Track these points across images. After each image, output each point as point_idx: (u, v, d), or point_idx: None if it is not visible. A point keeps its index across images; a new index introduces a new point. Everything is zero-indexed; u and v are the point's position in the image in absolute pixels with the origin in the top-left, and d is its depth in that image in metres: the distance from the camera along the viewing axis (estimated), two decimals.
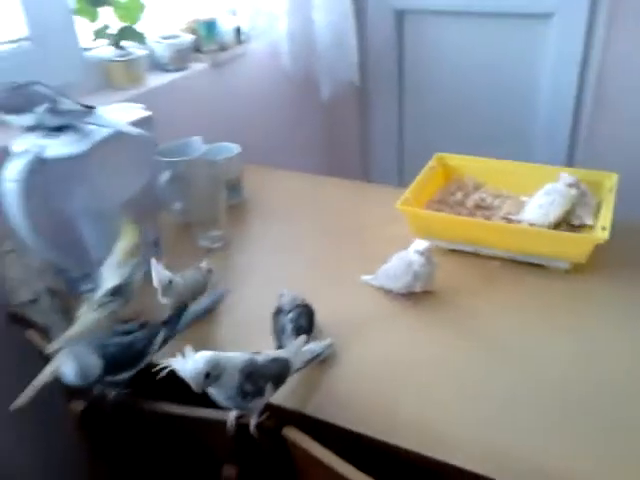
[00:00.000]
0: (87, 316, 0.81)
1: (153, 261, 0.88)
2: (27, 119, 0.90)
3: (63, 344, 0.76)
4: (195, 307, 0.93)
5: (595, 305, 0.93)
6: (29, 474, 1.19)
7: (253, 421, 0.74)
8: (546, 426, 0.73)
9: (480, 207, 1.11)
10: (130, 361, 0.78)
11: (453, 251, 1.06)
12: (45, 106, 0.88)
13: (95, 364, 0.74)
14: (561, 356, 0.84)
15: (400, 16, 1.93)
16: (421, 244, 0.92)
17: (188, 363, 0.65)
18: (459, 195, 1.14)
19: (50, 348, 0.76)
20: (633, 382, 0.78)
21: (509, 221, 1.06)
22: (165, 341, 0.82)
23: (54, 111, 0.89)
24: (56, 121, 0.91)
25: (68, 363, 0.73)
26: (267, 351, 0.77)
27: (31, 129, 0.91)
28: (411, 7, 1.90)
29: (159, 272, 0.88)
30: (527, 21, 1.78)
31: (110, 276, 0.85)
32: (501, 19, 1.81)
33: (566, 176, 1.07)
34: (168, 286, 0.88)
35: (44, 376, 0.73)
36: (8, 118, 0.91)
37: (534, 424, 0.73)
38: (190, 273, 0.95)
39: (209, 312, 0.96)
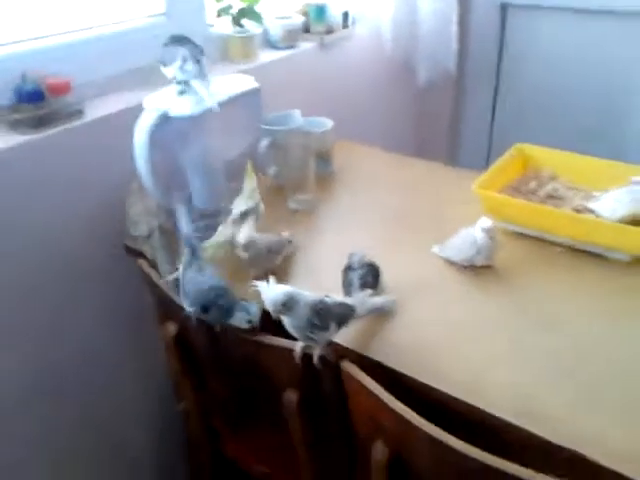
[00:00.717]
0: (225, 231, 1.10)
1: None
2: (170, 71, 1.05)
3: (210, 249, 1.03)
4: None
5: None
6: (123, 385, 1.39)
7: (317, 352, 0.86)
8: (572, 389, 0.80)
9: (552, 197, 1.17)
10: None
11: (519, 234, 1.13)
12: (179, 63, 1.04)
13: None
14: (610, 336, 0.90)
15: (504, 9, 1.97)
16: (485, 222, 1.01)
17: (270, 291, 0.79)
18: (533, 184, 1.20)
19: (205, 249, 1.03)
20: None
21: (578, 212, 1.12)
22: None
23: (182, 69, 1.04)
24: (182, 77, 1.05)
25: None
26: (336, 296, 0.89)
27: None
28: (516, 1, 1.93)
29: (244, 231, 1.04)
30: (631, 20, 1.76)
31: (240, 205, 1.12)
32: (609, 18, 1.81)
33: None
34: (251, 243, 1.04)
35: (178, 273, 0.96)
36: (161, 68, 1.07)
37: (564, 387, 0.81)
38: (270, 236, 1.09)
39: None
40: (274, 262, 1.08)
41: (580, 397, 0.79)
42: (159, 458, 1.50)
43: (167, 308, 1.03)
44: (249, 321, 0.89)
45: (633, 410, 0.77)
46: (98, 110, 1.17)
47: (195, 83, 1.04)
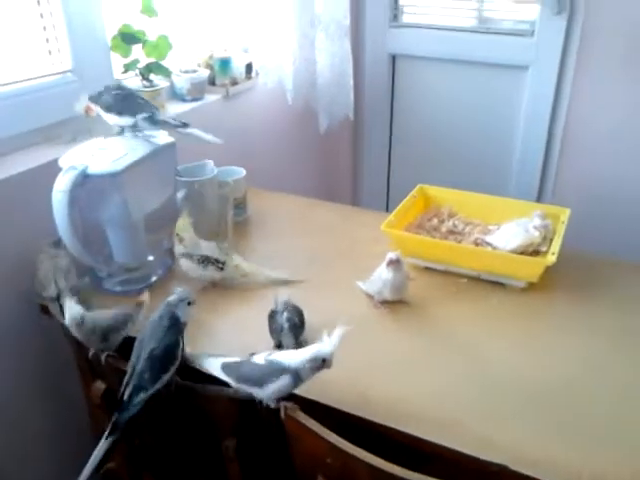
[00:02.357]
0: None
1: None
2: (126, 121, 1.12)
3: None
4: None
5: (545, 316, 1.12)
6: (42, 442, 1.33)
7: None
8: (487, 407, 0.89)
9: (453, 232, 1.29)
10: None
11: (427, 269, 1.23)
12: (144, 114, 1.11)
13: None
14: (510, 353, 1.01)
15: (393, 59, 2.14)
16: (392, 254, 1.09)
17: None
18: (435, 221, 1.32)
19: None
20: (574, 375, 0.96)
21: (477, 244, 1.24)
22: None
23: (152, 120, 1.12)
24: (152, 128, 1.15)
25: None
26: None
27: (128, 129, 1.15)
28: (403, 52, 2.12)
29: (71, 307, 0.95)
30: (507, 71, 2.00)
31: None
32: (483, 68, 2.03)
33: (538, 221, 1.20)
34: (80, 323, 0.94)
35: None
36: (109, 116, 1.13)
37: (480, 405, 0.90)
38: (108, 313, 0.98)
39: None
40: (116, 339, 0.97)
41: (491, 407, 0.89)
42: None
43: (96, 367, 1.01)
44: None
45: (539, 414, 0.88)
46: (6, 169, 1.14)
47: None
